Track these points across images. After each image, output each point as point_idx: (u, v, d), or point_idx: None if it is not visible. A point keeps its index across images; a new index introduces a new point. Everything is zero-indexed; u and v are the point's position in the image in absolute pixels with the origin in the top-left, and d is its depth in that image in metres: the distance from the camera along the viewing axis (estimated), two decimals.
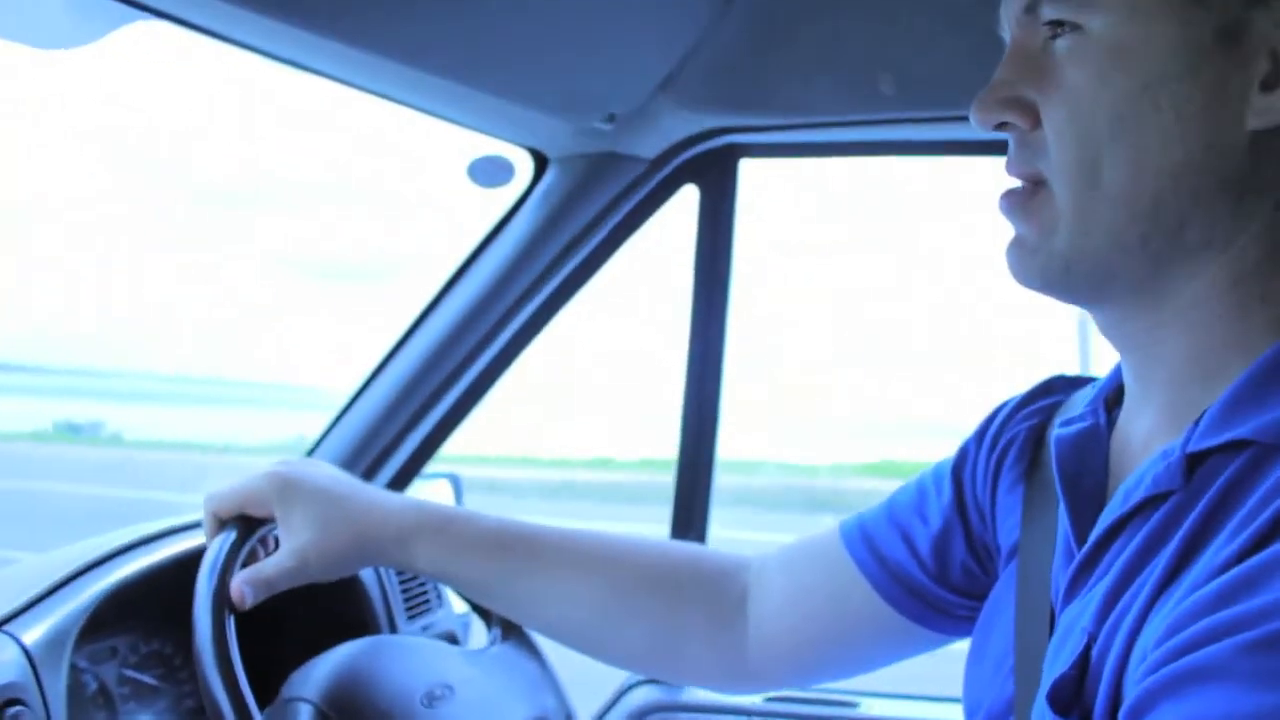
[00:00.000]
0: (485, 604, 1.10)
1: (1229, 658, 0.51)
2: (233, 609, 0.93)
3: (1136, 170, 0.65)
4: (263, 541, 1.02)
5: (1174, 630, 0.55)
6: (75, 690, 1.08)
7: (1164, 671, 0.54)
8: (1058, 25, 0.68)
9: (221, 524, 1.00)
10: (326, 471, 1.03)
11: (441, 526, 1.01)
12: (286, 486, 0.98)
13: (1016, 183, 0.72)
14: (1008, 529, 0.86)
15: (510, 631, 1.16)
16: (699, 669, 1.04)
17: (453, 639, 1.49)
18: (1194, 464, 0.64)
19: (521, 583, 1.02)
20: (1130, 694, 0.57)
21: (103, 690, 1.13)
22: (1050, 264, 0.69)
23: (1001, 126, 0.71)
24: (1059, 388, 0.89)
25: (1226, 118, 0.64)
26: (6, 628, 0.98)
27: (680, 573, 1.03)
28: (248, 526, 0.99)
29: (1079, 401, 0.83)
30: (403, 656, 1.06)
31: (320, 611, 1.23)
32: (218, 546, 0.96)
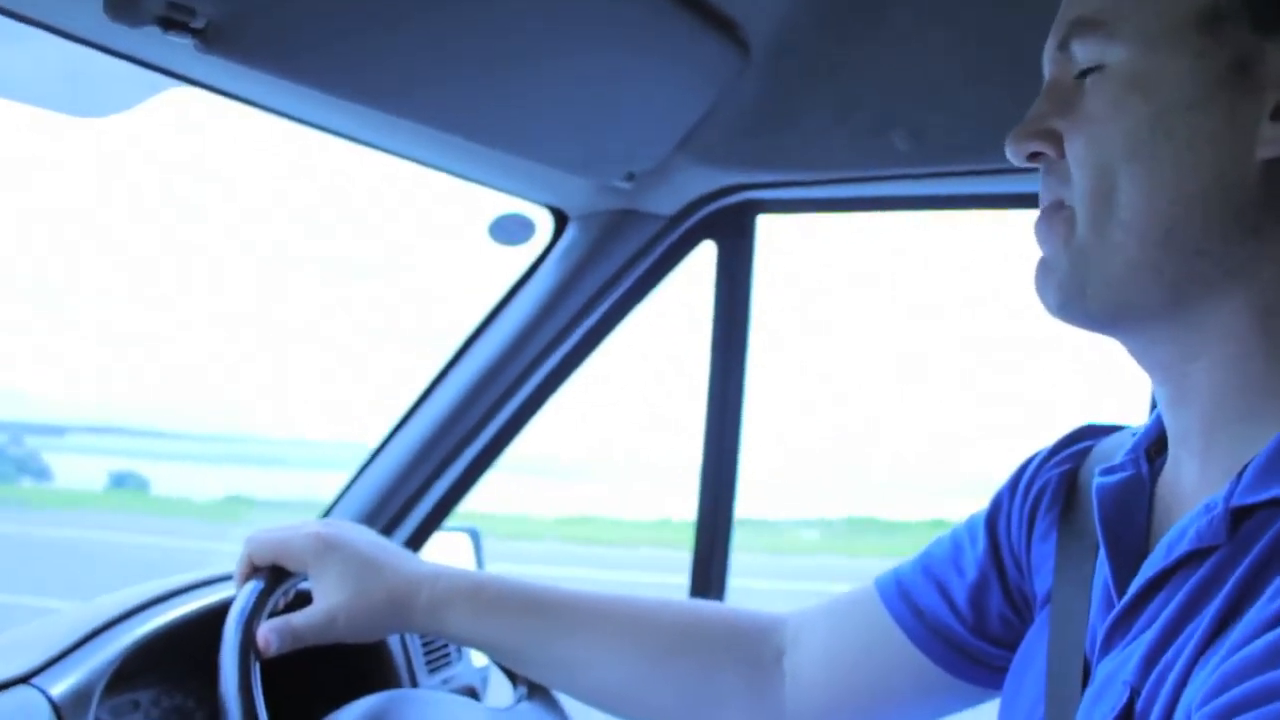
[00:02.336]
0: (517, 669, 1.11)
1: None
2: (258, 654, 0.95)
3: (1149, 198, 0.67)
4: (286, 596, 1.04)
5: (1220, 690, 0.55)
6: None
7: None
8: (1085, 63, 0.70)
9: (254, 570, 1.02)
10: (367, 537, 1.05)
11: (473, 593, 1.02)
12: (326, 547, 1.00)
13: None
14: (1043, 576, 0.86)
15: (535, 691, 1.16)
16: None
17: (472, 693, 1.49)
18: (1238, 519, 0.64)
19: (555, 647, 1.02)
20: None
21: None
22: (1068, 283, 0.71)
23: (1034, 157, 0.73)
24: (1089, 434, 0.90)
25: (1239, 147, 0.65)
26: (34, 681, 0.99)
27: (715, 632, 1.03)
28: (278, 578, 1.01)
29: (1114, 449, 0.83)
30: (428, 710, 1.06)
31: (341, 664, 1.24)
32: (247, 594, 0.99)
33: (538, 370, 1.56)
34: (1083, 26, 0.70)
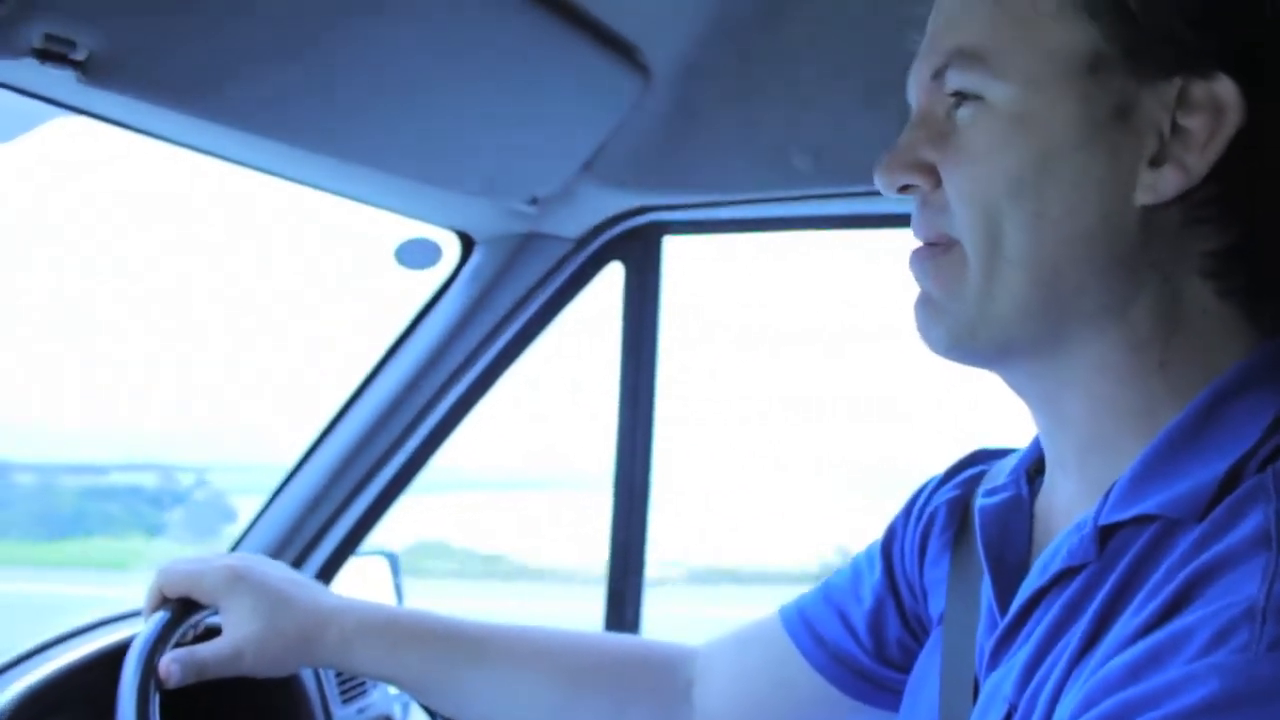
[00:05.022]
0: (428, 702, 1.10)
1: None
2: (159, 685, 0.94)
3: (1036, 236, 0.67)
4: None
5: (1089, 703, 0.56)
6: None
7: None
8: (961, 95, 0.69)
9: (163, 601, 1.01)
10: (279, 571, 1.04)
11: (384, 628, 1.02)
12: (237, 579, 0.99)
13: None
14: (936, 599, 0.87)
15: None
16: None
17: None
18: (1106, 536, 0.66)
19: (467, 679, 1.02)
20: None
21: None
22: (957, 327, 0.71)
23: (905, 190, 0.73)
24: (982, 459, 0.91)
25: (1120, 191, 0.66)
26: None
27: (625, 665, 1.04)
28: (186, 610, 1.00)
29: (1002, 471, 0.84)
30: None
31: (251, 696, 1.22)
32: (154, 624, 0.97)
33: (448, 394, 1.55)
34: (964, 58, 0.69)
